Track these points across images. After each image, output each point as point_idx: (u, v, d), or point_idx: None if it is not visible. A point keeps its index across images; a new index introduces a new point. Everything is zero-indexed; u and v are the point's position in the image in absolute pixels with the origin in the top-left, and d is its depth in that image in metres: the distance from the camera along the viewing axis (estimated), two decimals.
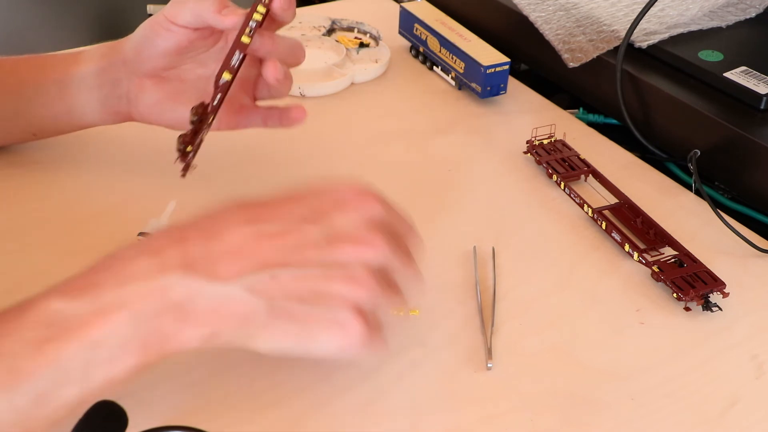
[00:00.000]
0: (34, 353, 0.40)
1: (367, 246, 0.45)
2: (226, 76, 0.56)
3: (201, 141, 0.59)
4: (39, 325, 0.41)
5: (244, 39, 0.55)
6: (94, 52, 0.64)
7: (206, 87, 0.59)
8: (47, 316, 0.41)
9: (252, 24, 0.55)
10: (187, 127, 0.58)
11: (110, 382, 0.42)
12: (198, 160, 0.60)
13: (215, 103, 0.57)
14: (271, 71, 0.57)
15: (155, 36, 0.59)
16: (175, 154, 0.58)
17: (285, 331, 0.44)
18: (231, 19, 0.56)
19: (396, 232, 0.48)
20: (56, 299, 0.41)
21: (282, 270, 0.43)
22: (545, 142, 0.74)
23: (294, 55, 0.59)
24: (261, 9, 0.55)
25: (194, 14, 0.57)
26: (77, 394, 0.41)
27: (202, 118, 0.57)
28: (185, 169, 0.59)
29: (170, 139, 0.59)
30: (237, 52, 0.56)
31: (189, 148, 0.57)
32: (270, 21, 0.57)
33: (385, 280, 0.46)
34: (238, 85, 0.60)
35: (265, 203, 0.45)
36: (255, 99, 0.64)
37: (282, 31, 0.60)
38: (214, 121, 0.59)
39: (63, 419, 0.41)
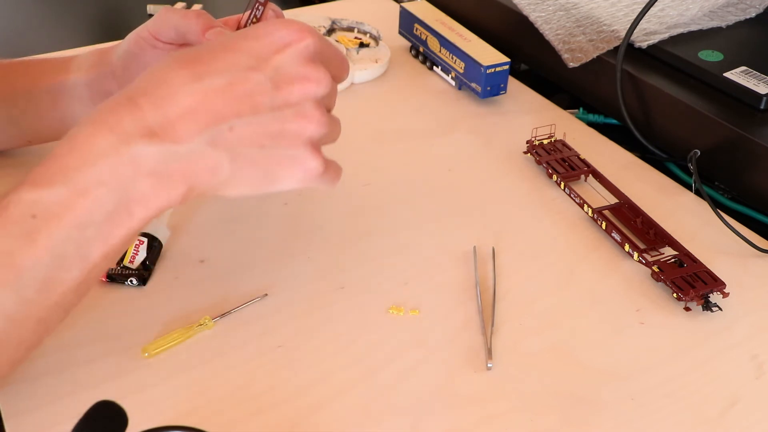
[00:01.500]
0: (27, 245, 0.42)
1: (311, 82, 0.46)
2: None
3: None
4: (22, 218, 0.42)
5: None
6: (84, 61, 0.63)
7: None
8: (27, 209, 0.42)
9: None
10: None
11: (107, 256, 0.44)
12: None
13: None
14: None
15: (140, 51, 0.58)
16: None
17: (249, 177, 0.47)
18: None
19: (328, 59, 0.49)
20: (29, 191, 0.42)
21: (237, 120, 0.45)
22: (545, 142, 0.74)
23: None
24: None
25: (178, 33, 0.56)
26: (79, 275, 0.43)
27: None
28: None
29: None
30: None
31: None
32: None
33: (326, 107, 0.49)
34: None
35: (206, 55, 0.46)
36: None
37: None
38: None
39: (73, 304, 0.44)
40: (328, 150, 0.50)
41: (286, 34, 0.46)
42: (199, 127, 0.44)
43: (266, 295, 0.57)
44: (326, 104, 0.48)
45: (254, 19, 0.54)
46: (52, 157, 0.44)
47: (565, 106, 0.85)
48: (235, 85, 0.44)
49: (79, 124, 0.44)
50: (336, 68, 0.50)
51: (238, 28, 0.54)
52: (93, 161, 0.43)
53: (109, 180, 0.43)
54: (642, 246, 0.63)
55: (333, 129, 0.49)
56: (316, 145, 0.48)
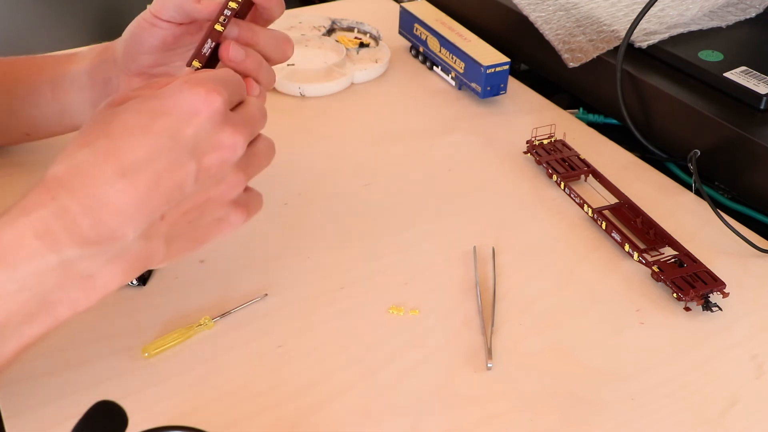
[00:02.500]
0: None
1: (226, 149, 0.46)
2: (196, 64, 0.53)
3: None
4: None
5: (217, 27, 0.53)
6: (88, 53, 0.64)
7: None
8: None
9: (226, 12, 0.53)
10: None
11: (21, 351, 0.43)
12: None
13: None
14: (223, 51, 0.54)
15: (142, 32, 0.59)
16: None
17: (181, 250, 0.48)
18: (208, 8, 0.55)
19: (234, 95, 0.49)
20: None
21: (167, 206, 0.45)
22: (545, 142, 0.74)
23: (280, 50, 0.57)
24: None
25: (177, 7, 0.57)
26: None
27: None
28: None
29: None
30: (209, 41, 0.53)
31: None
32: (256, 15, 0.56)
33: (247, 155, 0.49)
34: None
35: (124, 143, 0.44)
36: None
37: (282, 32, 0.59)
38: None
39: None
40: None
41: (194, 102, 0.45)
42: (133, 223, 0.43)
43: (266, 295, 0.57)
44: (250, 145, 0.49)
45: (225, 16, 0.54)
46: None
47: (565, 106, 0.85)
48: (161, 174, 0.44)
49: (2, 222, 0.42)
50: (239, 94, 0.49)
51: (224, 1, 0.53)
52: (14, 265, 0.41)
53: (33, 286, 0.41)
54: (642, 246, 0.63)
55: (255, 169, 0.50)
56: (237, 201, 0.49)
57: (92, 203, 0.42)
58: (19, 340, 0.42)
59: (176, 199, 0.45)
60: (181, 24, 0.58)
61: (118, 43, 0.61)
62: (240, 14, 0.54)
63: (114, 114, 0.45)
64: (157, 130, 0.44)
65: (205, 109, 0.45)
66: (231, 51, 0.53)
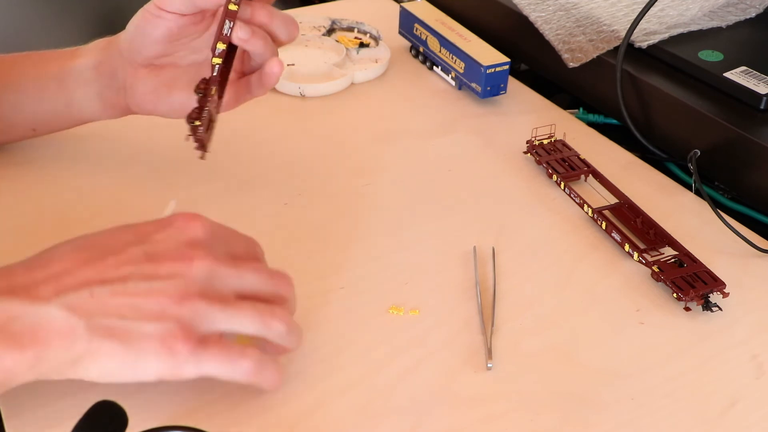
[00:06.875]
0: None
1: (187, 261, 0.45)
2: (221, 46, 0.57)
3: (212, 117, 0.58)
4: None
5: (231, 6, 0.56)
6: (92, 47, 0.64)
7: (200, 73, 0.59)
8: None
9: None
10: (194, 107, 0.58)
11: None
12: (198, 161, 0.60)
13: (215, 73, 0.57)
14: (274, 67, 0.58)
15: (146, 24, 0.59)
16: (191, 143, 0.58)
17: (109, 350, 0.43)
18: None
19: (234, 253, 0.49)
20: None
21: (101, 287, 0.43)
22: (545, 142, 0.74)
23: (287, 30, 0.59)
24: None
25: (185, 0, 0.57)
26: None
27: (204, 92, 0.57)
28: (200, 148, 0.57)
29: (170, 137, 0.59)
30: (227, 21, 0.56)
31: (197, 122, 0.56)
32: None
33: (228, 296, 0.46)
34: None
35: (98, 235, 0.46)
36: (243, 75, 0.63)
37: (288, 14, 0.60)
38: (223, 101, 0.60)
39: None
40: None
41: (175, 220, 0.47)
42: (60, 288, 0.42)
43: None
44: (221, 290, 0.46)
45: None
46: None
47: (565, 106, 0.85)
48: (107, 254, 0.44)
49: None
50: (242, 246, 0.50)
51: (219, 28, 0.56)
52: None
53: None
54: (642, 246, 0.63)
55: (235, 315, 0.46)
56: (186, 328, 0.44)
57: (34, 266, 0.44)
58: None
59: (112, 282, 0.43)
60: (185, 15, 0.58)
61: (123, 36, 0.62)
62: None
63: None
64: (131, 229, 0.46)
65: (179, 224, 0.46)
66: (234, 29, 0.56)
